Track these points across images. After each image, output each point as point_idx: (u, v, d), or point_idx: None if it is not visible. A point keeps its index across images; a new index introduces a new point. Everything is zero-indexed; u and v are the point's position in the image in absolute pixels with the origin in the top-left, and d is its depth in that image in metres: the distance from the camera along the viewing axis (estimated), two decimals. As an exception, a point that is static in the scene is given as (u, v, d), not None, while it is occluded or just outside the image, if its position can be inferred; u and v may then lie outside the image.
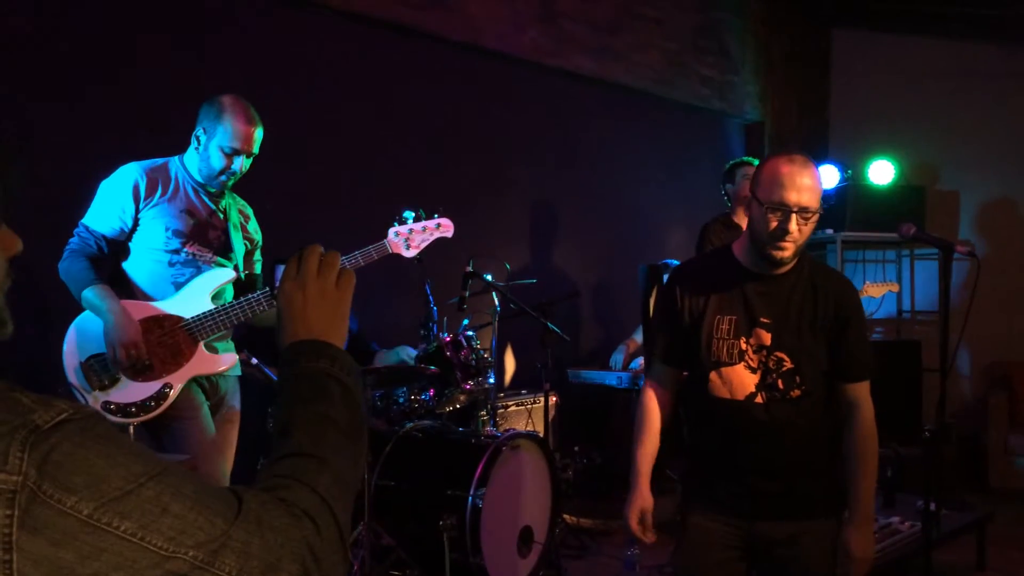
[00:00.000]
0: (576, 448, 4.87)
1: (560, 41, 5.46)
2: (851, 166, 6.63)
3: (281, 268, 1.17)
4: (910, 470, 4.76)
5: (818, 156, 7.08)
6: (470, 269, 4.09)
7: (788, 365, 2.17)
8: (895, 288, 5.50)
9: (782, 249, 2.14)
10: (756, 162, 4.64)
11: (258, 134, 2.98)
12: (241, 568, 0.82)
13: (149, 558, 0.78)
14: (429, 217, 3.16)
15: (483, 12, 5.03)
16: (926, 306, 6.92)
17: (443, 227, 3.19)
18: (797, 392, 2.17)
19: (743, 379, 2.20)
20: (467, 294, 4.07)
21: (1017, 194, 6.65)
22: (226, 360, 3.00)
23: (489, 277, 4.24)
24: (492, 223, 5.24)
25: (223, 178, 2.97)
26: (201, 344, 2.91)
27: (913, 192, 6.60)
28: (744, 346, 2.20)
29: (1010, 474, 5.96)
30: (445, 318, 4.26)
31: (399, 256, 3.10)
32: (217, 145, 2.91)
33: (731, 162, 4.74)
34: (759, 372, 2.19)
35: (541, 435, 4.17)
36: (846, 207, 6.42)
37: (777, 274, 2.21)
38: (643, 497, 2.31)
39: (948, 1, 6.27)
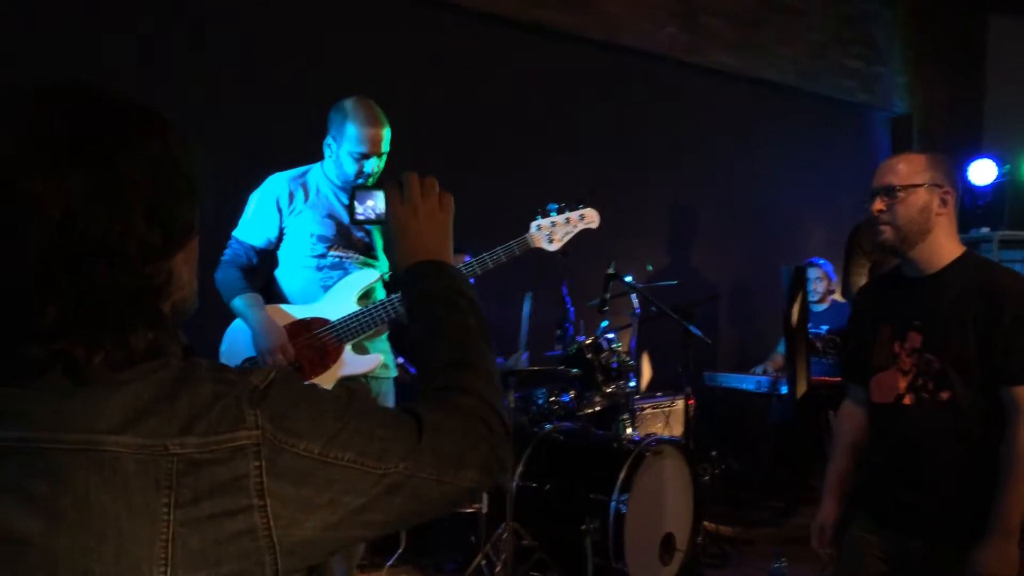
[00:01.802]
0: (713, 453, 4.77)
1: (699, 36, 5.34)
2: (1008, 160, 6.21)
3: (364, 194, 1.23)
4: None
5: (971, 150, 6.67)
6: (611, 271, 4.04)
7: (936, 366, 2.11)
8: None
9: (880, 232, 2.19)
10: None
11: (385, 133, 2.94)
12: (439, 468, 0.93)
13: (369, 479, 0.89)
14: (573, 208, 2.96)
15: (620, 10, 4.97)
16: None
17: (587, 218, 2.96)
18: (947, 394, 2.10)
19: (895, 381, 2.19)
20: (608, 296, 4.03)
21: None
22: (371, 361, 3.00)
23: (629, 279, 4.19)
24: (630, 223, 5.17)
25: (360, 181, 2.99)
26: (347, 346, 2.94)
27: (1078, 188, 6.13)
28: (898, 349, 2.19)
29: None
30: (581, 320, 4.24)
31: (541, 253, 2.95)
32: (347, 151, 2.92)
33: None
34: (910, 374, 2.16)
35: (681, 439, 4.10)
36: (1004, 204, 6.03)
37: (931, 275, 2.17)
38: (825, 513, 2.39)
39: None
